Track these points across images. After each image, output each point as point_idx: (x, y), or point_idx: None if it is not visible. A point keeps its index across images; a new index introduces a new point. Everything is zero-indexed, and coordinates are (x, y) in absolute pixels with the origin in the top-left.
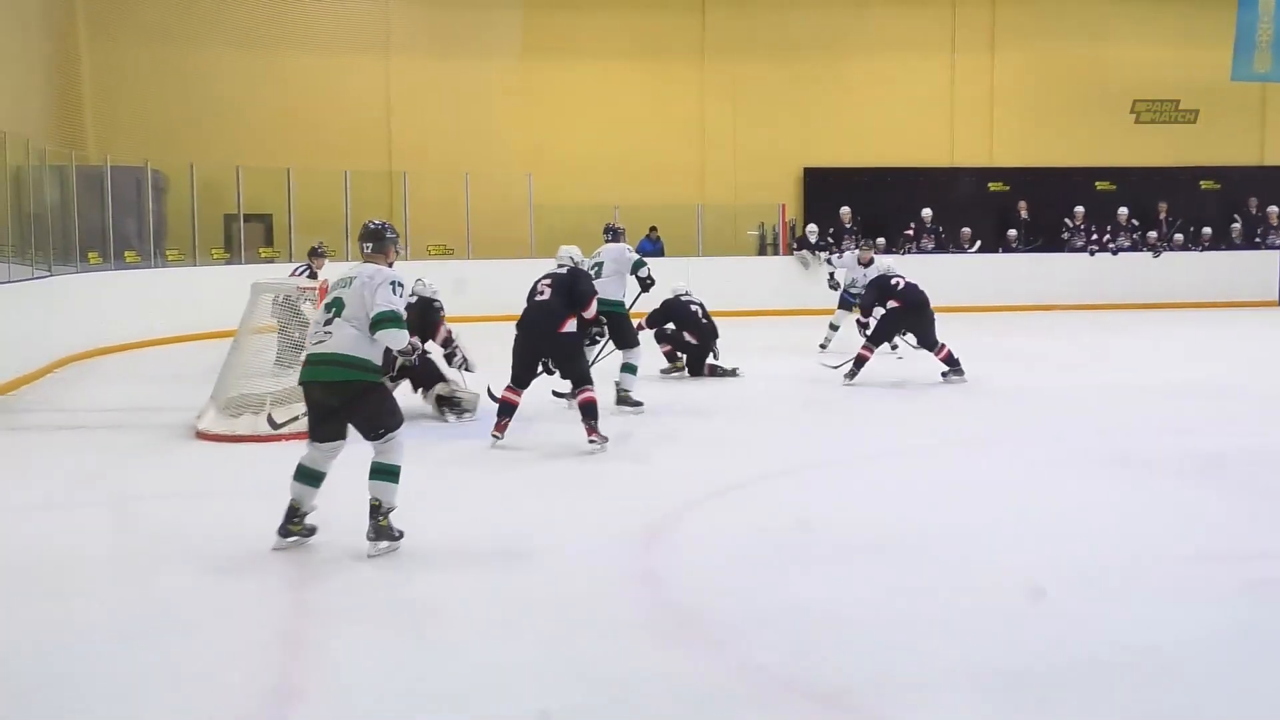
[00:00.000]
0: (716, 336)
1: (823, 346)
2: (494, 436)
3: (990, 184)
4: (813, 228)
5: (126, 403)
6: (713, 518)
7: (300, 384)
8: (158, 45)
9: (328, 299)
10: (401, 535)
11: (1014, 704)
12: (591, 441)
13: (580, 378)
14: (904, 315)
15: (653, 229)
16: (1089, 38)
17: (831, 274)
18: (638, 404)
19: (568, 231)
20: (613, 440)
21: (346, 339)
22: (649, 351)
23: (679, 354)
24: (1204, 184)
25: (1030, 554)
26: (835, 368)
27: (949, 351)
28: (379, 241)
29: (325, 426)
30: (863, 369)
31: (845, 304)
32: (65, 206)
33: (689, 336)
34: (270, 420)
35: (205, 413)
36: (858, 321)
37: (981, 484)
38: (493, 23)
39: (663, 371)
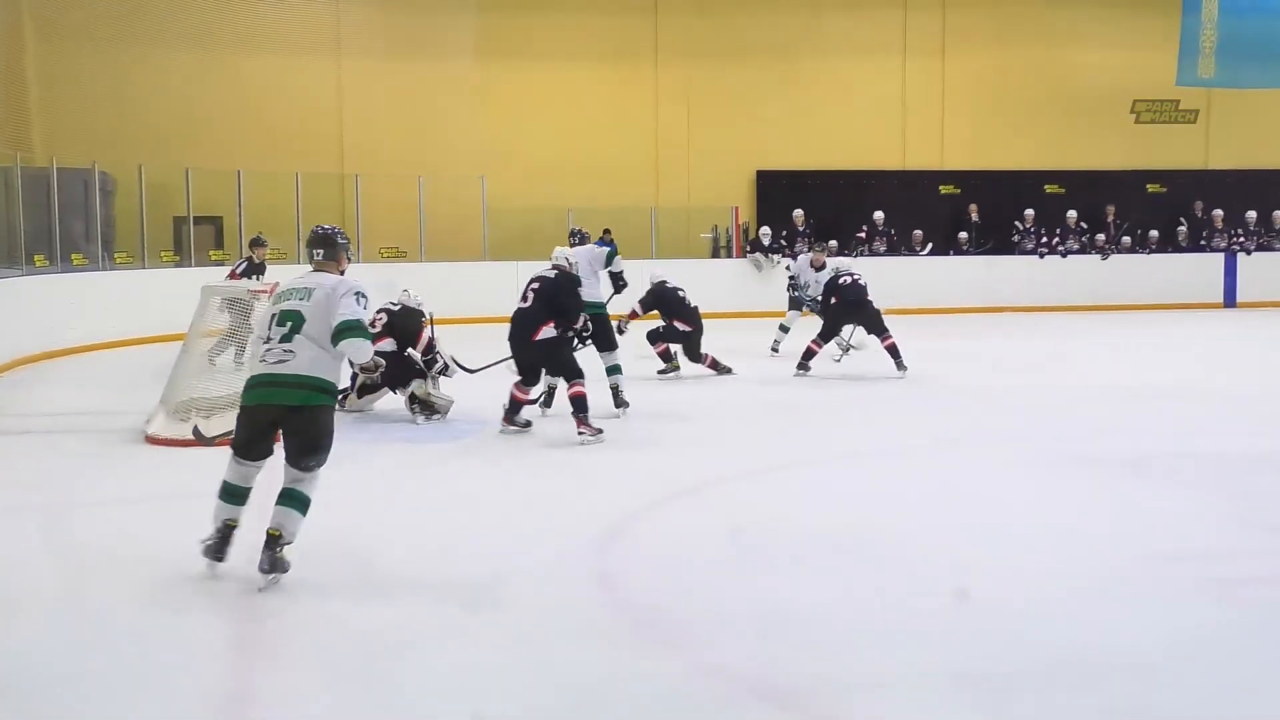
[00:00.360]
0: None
1: (774, 349)
2: (507, 426)
3: (941, 187)
4: (766, 230)
5: (75, 407)
6: (673, 519)
7: (248, 406)
8: (106, 45)
9: (281, 310)
10: (288, 568)
11: (974, 704)
12: (580, 434)
13: (570, 372)
14: (844, 310)
15: (606, 231)
16: (1039, 42)
17: (793, 278)
18: (624, 404)
19: (521, 234)
20: (571, 442)
21: (309, 359)
22: (644, 355)
23: (672, 352)
24: (1150, 187)
25: (991, 555)
26: (838, 360)
27: (894, 342)
28: (330, 248)
29: (260, 444)
30: (811, 361)
31: (796, 304)
32: (10, 208)
33: (680, 324)
34: (197, 432)
35: (155, 417)
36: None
37: (942, 485)
38: (446, 25)
39: (659, 373)
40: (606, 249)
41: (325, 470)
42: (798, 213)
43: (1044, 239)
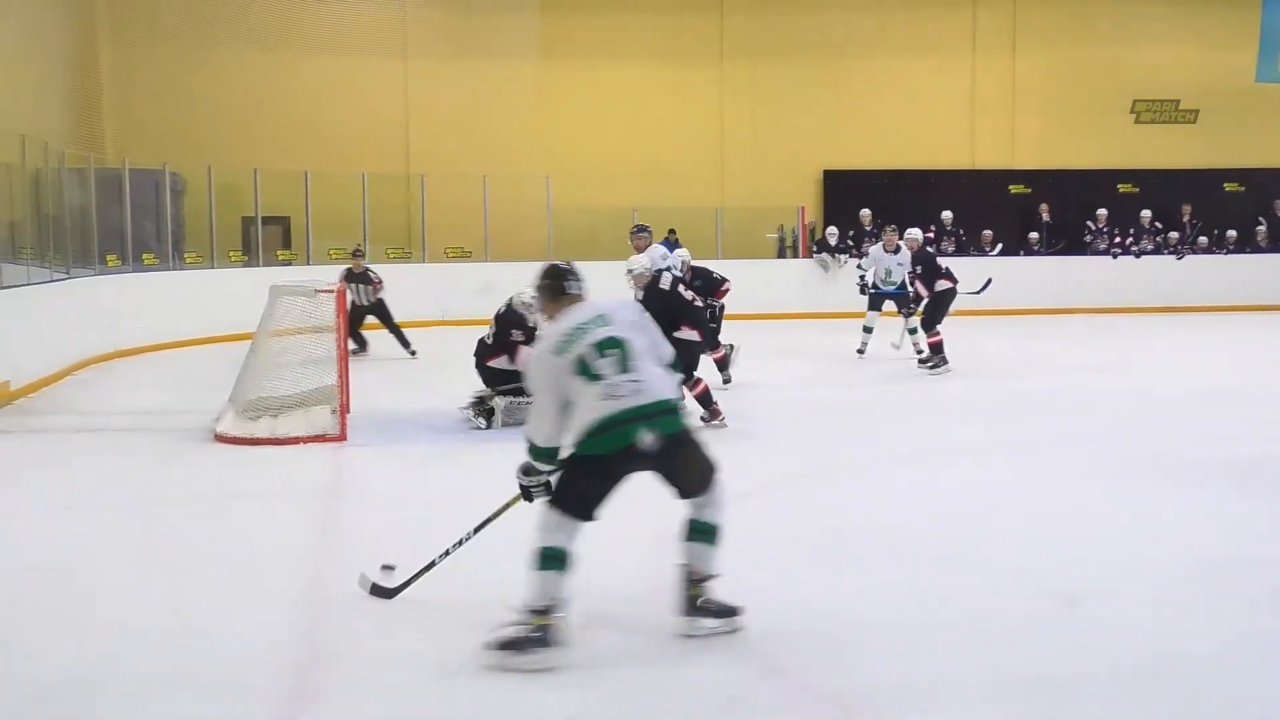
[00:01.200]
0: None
1: (860, 352)
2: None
3: (1011, 186)
4: (833, 230)
5: (145, 405)
6: (734, 521)
7: (608, 455)
8: (177, 48)
9: (597, 342)
10: (733, 612)
11: (1040, 711)
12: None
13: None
14: (952, 295)
15: (671, 231)
16: (1112, 39)
17: (862, 277)
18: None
19: (586, 234)
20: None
21: (657, 379)
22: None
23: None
24: (1228, 186)
25: (1055, 559)
26: (926, 364)
27: (941, 340)
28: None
29: (609, 499)
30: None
31: (875, 304)
32: (84, 209)
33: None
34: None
35: (224, 416)
36: (909, 303)
37: (1007, 489)
38: (510, 26)
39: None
40: (674, 251)
41: (393, 467)
42: (865, 212)
43: (1117, 239)
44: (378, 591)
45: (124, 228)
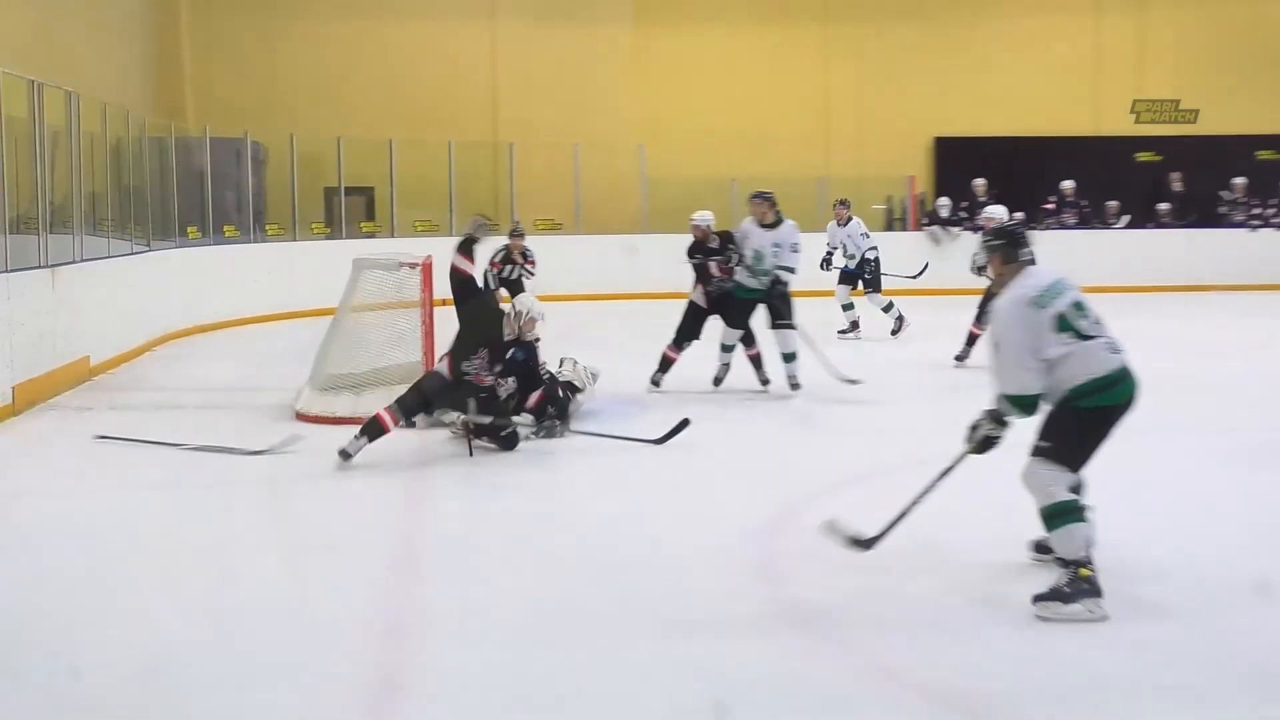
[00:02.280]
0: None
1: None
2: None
3: (1139, 154)
4: (944, 201)
5: (225, 382)
6: (838, 509)
7: (1117, 405)
8: (259, 13)
9: (1074, 302)
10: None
11: (1166, 714)
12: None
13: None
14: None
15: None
16: None
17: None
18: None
19: (682, 205)
20: (736, 425)
21: None
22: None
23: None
24: None
25: (1182, 555)
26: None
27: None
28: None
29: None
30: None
31: (847, 281)
32: (164, 179)
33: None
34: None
35: (304, 393)
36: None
37: (1132, 479)
38: None
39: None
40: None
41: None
42: (979, 182)
43: (1256, 210)
44: (857, 543)
45: (204, 199)
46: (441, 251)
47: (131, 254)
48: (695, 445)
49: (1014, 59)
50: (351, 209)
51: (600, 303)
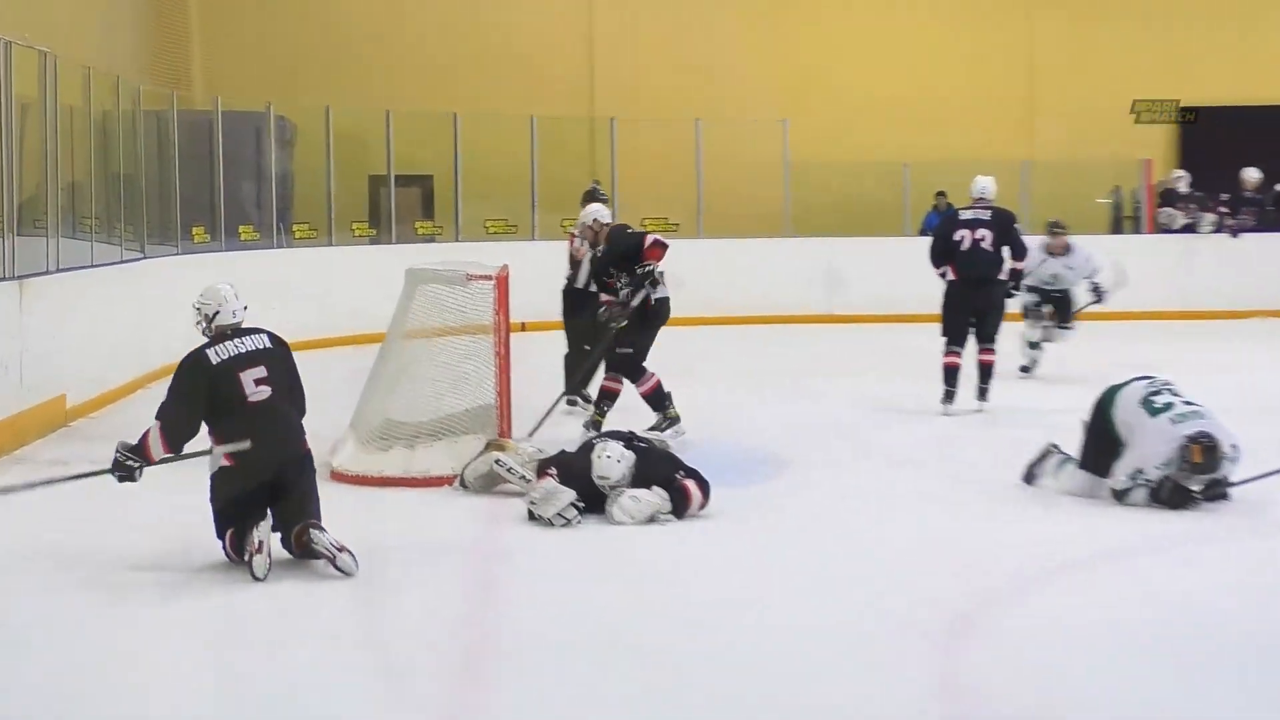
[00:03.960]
0: None
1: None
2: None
3: None
4: (1180, 173)
5: None
6: (1047, 606)
7: None
8: None
9: None
10: None
11: None
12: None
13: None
14: None
15: (940, 195)
16: None
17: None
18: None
19: (836, 200)
20: (897, 494)
21: None
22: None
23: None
24: None
25: None
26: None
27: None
28: None
29: None
30: None
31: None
32: (163, 165)
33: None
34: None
35: (342, 445)
36: None
37: None
38: None
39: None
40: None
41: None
42: (1251, 174)
43: None
44: None
45: (215, 190)
46: (520, 258)
47: (121, 262)
48: (843, 518)
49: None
50: (404, 203)
51: (726, 327)
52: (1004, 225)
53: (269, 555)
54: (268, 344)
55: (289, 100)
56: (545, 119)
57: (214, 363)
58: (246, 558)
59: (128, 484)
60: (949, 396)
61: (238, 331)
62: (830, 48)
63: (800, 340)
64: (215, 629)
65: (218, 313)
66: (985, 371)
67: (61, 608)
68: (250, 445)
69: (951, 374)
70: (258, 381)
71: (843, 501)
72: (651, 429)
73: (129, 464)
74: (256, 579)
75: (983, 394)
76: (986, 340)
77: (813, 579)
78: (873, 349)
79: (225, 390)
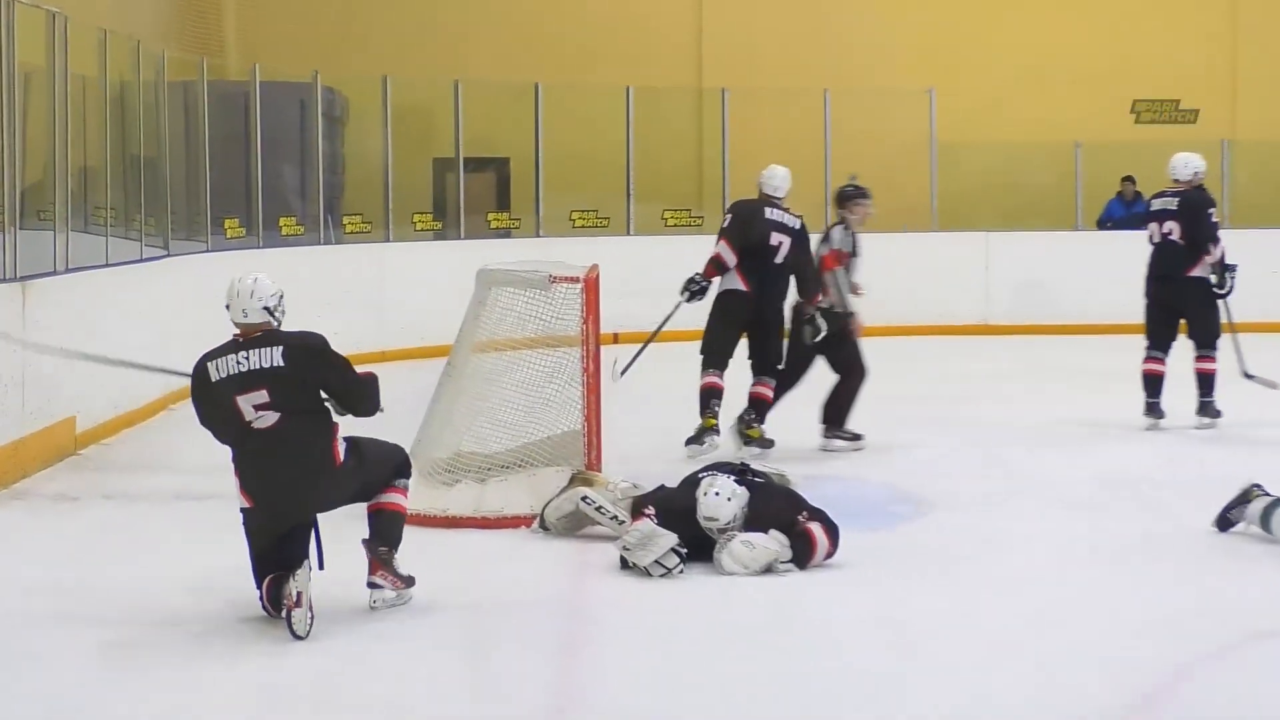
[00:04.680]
0: None
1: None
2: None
3: None
4: None
5: None
6: (1249, 672)
7: None
8: None
9: None
10: None
11: None
12: None
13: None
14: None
15: (1127, 181)
16: None
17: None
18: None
19: (988, 189)
20: (1065, 542)
21: None
22: None
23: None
24: None
25: None
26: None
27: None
28: None
29: None
30: None
31: None
32: (191, 147)
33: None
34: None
35: None
36: None
37: None
38: None
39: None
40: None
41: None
42: None
43: None
44: None
45: (251, 176)
46: (611, 256)
47: (141, 261)
48: (1003, 551)
49: None
50: (475, 192)
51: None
52: (1192, 212)
53: (310, 608)
54: (278, 361)
55: (339, 69)
56: (643, 90)
57: (212, 380)
58: (283, 613)
59: None
60: (1151, 409)
61: (249, 339)
62: (985, 5)
63: (946, 354)
64: (245, 705)
65: (228, 308)
66: (1201, 382)
67: (64, 671)
68: (254, 504)
69: (1152, 383)
70: (258, 407)
71: (999, 552)
72: (692, 439)
73: None
74: (297, 637)
75: (1203, 408)
76: (1199, 346)
77: (965, 648)
78: (1042, 364)
79: (224, 414)
